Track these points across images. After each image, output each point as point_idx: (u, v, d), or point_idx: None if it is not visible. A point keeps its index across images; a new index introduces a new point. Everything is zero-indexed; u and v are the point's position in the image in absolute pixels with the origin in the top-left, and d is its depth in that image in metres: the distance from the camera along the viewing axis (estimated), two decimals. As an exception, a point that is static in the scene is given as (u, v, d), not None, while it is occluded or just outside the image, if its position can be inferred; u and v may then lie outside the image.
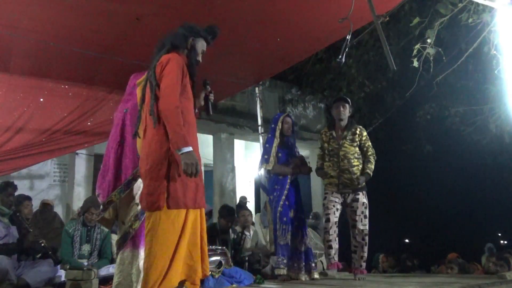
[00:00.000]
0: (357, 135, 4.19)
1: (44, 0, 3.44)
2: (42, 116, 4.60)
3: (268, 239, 5.44)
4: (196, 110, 2.70)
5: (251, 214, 5.70)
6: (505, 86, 4.55)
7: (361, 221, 4.06)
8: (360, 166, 4.14)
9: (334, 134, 4.27)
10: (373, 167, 4.13)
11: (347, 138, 4.18)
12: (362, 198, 4.10)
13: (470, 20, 5.23)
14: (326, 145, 4.28)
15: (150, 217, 2.43)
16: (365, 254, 4.06)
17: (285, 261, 4.00)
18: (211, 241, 4.84)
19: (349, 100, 4.33)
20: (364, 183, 4.11)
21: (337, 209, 4.12)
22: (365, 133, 4.25)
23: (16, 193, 4.56)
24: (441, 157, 12.20)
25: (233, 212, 5.21)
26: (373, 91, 9.05)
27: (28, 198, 4.56)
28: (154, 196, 2.40)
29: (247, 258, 4.85)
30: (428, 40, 5.09)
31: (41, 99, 4.62)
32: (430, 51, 4.99)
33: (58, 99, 4.71)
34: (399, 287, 3.56)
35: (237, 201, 8.16)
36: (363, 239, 4.05)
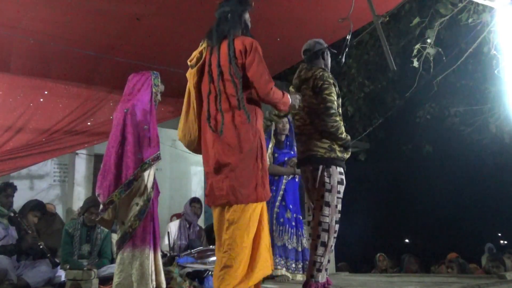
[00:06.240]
0: None
1: (44, 0, 3.44)
2: (42, 116, 4.60)
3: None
4: None
5: None
6: (505, 86, 4.55)
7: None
8: None
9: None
10: None
11: None
12: None
13: (470, 20, 5.23)
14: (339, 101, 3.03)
15: (236, 210, 2.29)
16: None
17: (282, 261, 4.00)
18: (211, 241, 4.87)
19: None
20: None
21: None
22: None
23: (16, 193, 4.53)
24: (441, 157, 12.19)
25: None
26: (373, 91, 9.03)
27: (37, 208, 4.50)
28: (248, 188, 2.29)
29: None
30: (428, 40, 5.09)
31: (41, 99, 4.61)
32: (430, 51, 4.99)
33: (58, 99, 4.70)
34: (399, 287, 3.57)
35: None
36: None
